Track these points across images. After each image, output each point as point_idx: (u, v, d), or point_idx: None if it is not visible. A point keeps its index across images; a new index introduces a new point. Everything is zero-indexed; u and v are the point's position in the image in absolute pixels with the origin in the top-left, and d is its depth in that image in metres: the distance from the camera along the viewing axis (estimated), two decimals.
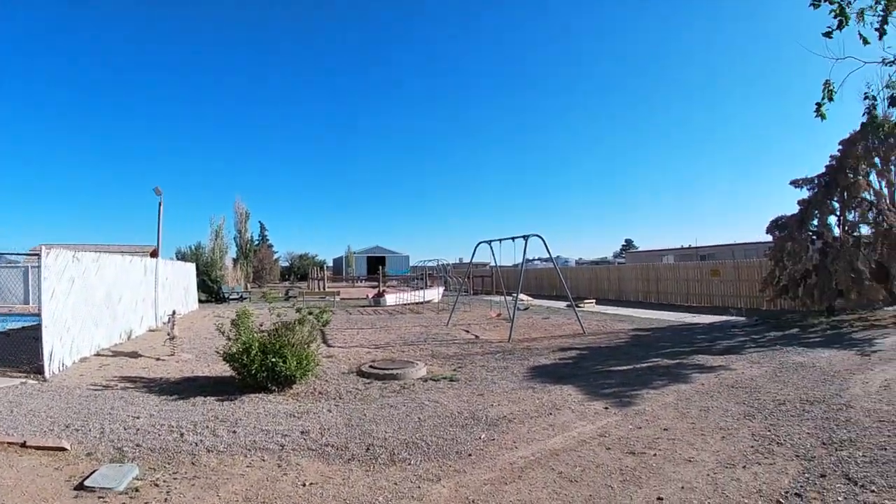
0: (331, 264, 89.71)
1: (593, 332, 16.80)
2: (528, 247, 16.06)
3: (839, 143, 18.32)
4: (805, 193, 18.82)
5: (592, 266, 41.79)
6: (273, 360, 8.96)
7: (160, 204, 20.13)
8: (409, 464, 5.85)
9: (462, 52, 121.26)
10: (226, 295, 33.33)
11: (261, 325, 9.89)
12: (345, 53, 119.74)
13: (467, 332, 17.67)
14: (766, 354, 11.98)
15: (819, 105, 6.27)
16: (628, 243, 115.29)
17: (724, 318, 19.48)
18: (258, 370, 8.97)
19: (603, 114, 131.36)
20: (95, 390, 9.55)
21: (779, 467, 5.53)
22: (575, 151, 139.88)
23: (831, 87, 6.24)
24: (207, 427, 7.21)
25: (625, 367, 11.05)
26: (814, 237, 18.22)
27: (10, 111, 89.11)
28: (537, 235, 16.04)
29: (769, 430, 6.70)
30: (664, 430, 6.84)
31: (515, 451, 6.18)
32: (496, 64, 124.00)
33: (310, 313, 10.17)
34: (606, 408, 7.98)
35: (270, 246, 78.55)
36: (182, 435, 6.88)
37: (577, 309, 22.99)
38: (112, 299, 15.13)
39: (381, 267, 45.00)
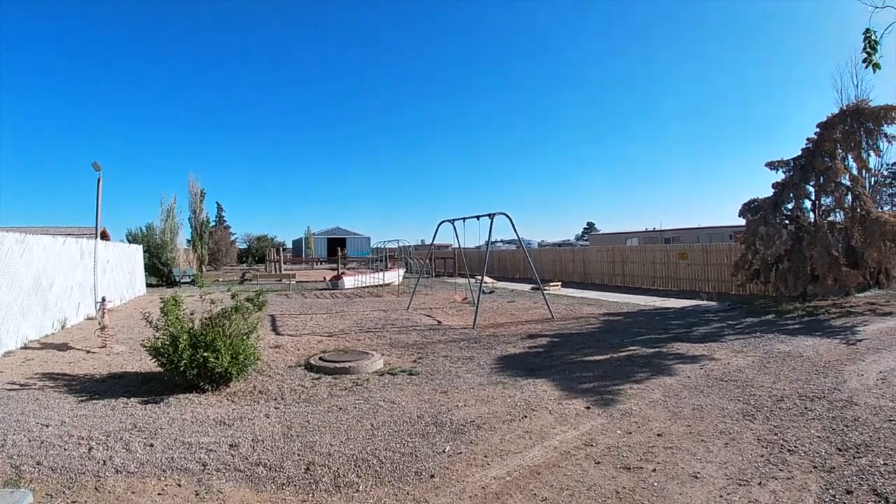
0: (290, 246, 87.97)
1: (562, 316, 15.89)
2: (492, 228, 15.03)
3: (816, 126, 17.82)
4: (780, 176, 18.31)
5: (556, 248, 40.95)
6: (205, 354, 7.77)
7: (99, 181, 18.52)
8: (357, 490, 4.77)
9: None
10: (177, 278, 31.80)
11: (192, 314, 8.62)
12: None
13: (429, 316, 16.65)
14: (748, 342, 11.27)
15: (868, 55, 5.35)
16: (590, 226, 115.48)
17: (695, 302, 18.83)
18: (187, 367, 7.78)
19: (564, 96, 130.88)
20: (10, 390, 8.31)
21: (798, 482, 4.68)
22: (533, 133, 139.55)
23: (872, 37, 5.32)
24: (121, 439, 6.06)
25: (601, 357, 10.14)
26: (787, 221, 17.69)
27: None
28: (504, 214, 15.08)
29: (775, 434, 5.86)
30: (658, 435, 5.91)
31: (487, 470, 5.14)
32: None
33: (248, 300, 8.85)
34: (588, 407, 7.02)
35: (228, 227, 77.16)
36: (90, 450, 5.74)
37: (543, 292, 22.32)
38: (42, 285, 13.74)
39: (339, 249, 43.66)
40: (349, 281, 28.33)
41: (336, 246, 72.66)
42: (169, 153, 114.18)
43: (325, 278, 31.10)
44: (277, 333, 13.85)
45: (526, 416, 6.69)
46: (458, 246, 18.99)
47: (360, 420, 6.66)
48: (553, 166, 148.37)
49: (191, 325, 8.34)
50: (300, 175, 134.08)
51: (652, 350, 10.65)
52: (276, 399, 7.74)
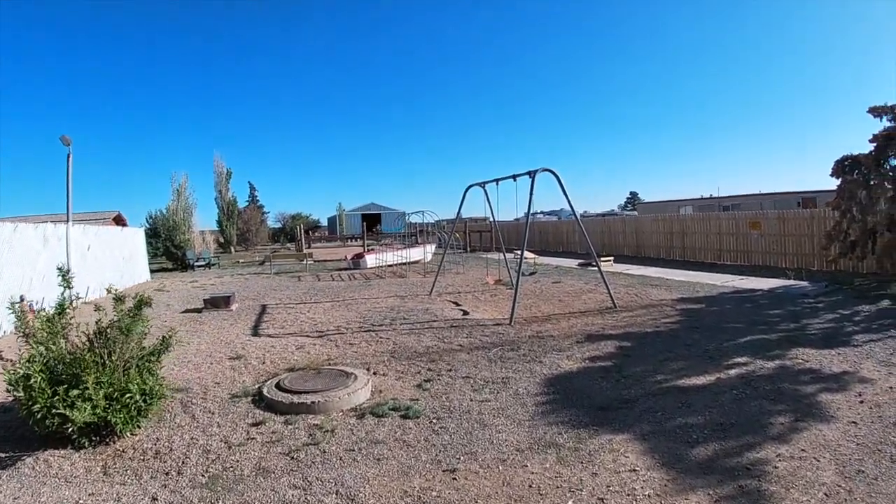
0: (325, 224, 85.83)
1: (626, 304, 12.52)
2: (533, 189, 11.62)
3: None
4: (883, 125, 14.72)
5: (604, 218, 37.14)
6: (71, 394, 4.76)
7: (69, 157, 15.85)
8: None
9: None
10: (191, 262, 29.37)
11: (98, 321, 5.59)
12: None
13: (455, 304, 13.49)
14: (890, 346, 8.11)
15: None
16: (633, 195, 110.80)
17: (780, 282, 15.34)
18: (46, 413, 4.78)
19: (605, 51, 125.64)
20: None
21: None
22: (571, 99, 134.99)
23: None
24: None
25: (703, 380, 6.83)
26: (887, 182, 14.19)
27: None
28: (549, 170, 11.63)
29: None
30: None
31: None
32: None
33: (136, 306, 5.75)
34: None
35: (261, 207, 75.31)
36: None
37: (592, 269, 19.00)
38: None
39: (363, 224, 40.83)
40: (371, 259, 25.31)
41: (372, 222, 70.21)
42: (201, 132, 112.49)
43: (345, 257, 28.13)
44: (255, 333, 10.89)
45: None
46: (492, 216, 15.71)
47: None
48: (594, 133, 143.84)
49: (62, 346, 5.28)
50: (339, 152, 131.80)
51: (770, 364, 7.37)
52: (170, 473, 4.69)
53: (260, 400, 6.55)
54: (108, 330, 5.38)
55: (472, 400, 6.38)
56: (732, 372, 7.05)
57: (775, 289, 14.20)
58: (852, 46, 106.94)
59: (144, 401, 5.37)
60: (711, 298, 13.04)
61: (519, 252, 11.70)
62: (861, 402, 5.89)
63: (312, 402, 6.14)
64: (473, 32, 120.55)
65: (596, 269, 20.76)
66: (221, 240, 48.30)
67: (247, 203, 71.12)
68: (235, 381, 7.54)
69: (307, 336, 10.44)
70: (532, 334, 9.68)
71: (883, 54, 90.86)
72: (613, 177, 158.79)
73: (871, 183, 14.18)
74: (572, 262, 23.73)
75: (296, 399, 6.26)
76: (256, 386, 7.13)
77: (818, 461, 4.52)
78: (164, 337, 5.96)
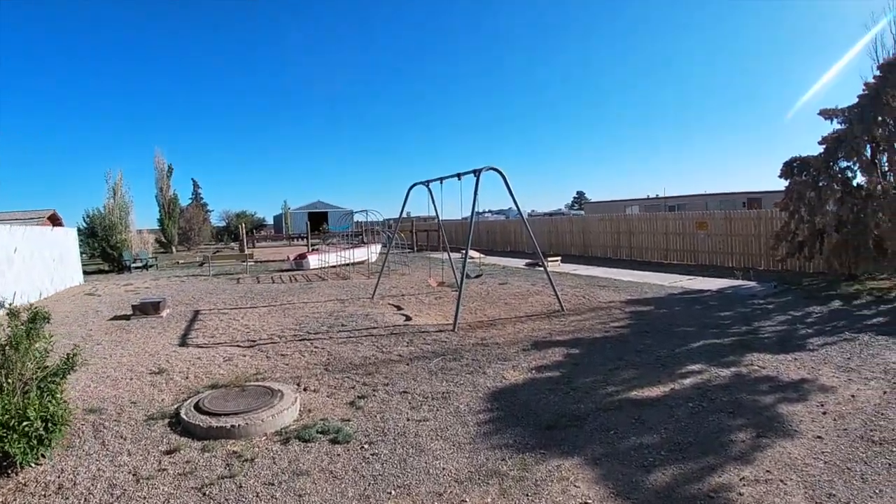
0: (271, 222, 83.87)
1: (575, 307, 12.10)
2: (478, 187, 11.02)
3: (877, 69, 14.51)
4: (833, 127, 14.82)
5: (551, 218, 36.90)
6: None
7: None
8: None
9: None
10: (127, 263, 27.94)
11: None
12: None
13: (398, 309, 12.87)
14: (846, 350, 7.91)
15: None
16: (580, 195, 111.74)
17: (729, 282, 15.17)
18: None
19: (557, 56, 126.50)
20: None
21: None
22: (517, 97, 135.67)
23: None
24: None
25: (657, 391, 6.37)
26: (835, 184, 14.19)
27: None
28: (494, 169, 11.13)
29: None
30: None
31: None
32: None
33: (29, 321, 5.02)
34: None
35: (205, 205, 73.35)
36: None
37: (540, 270, 18.62)
38: None
39: (307, 224, 39.78)
40: (314, 260, 24.44)
41: (318, 221, 68.82)
42: (143, 127, 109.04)
43: (288, 257, 27.18)
44: (182, 343, 10.05)
45: None
46: (437, 215, 15.14)
47: None
48: (539, 134, 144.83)
49: None
50: (283, 150, 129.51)
51: (726, 372, 6.98)
52: None
53: (177, 423, 5.86)
54: (6, 348, 4.61)
55: (409, 419, 5.78)
56: (687, 381, 6.62)
57: (724, 289, 13.98)
58: (797, 50, 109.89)
59: (46, 428, 4.65)
60: (660, 300, 12.73)
61: (465, 253, 11.10)
62: (824, 413, 5.52)
63: (232, 426, 5.47)
64: (413, 34, 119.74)
65: (543, 269, 20.48)
66: (163, 239, 46.49)
67: (190, 201, 69.90)
68: (154, 399, 6.81)
69: (238, 346, 9.68)
70: (476, 341, 9.13)
71: (825, 57, 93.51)
72: (560, 176, 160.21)
73: (821, 184, 14.12)
74: (519, 263, 23.33)
75: (214, 422, 5.58)
76: (175, 406, 6.42)
77: (785, 484, 4.09)
78: (68, 355, 5.26)
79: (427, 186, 13.98)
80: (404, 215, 39.91)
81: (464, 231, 37.78)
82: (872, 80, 14.20)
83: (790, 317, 10.34)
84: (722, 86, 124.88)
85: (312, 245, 34.63)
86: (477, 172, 10.98)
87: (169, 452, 5.12)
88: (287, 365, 8.24)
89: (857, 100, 14.22)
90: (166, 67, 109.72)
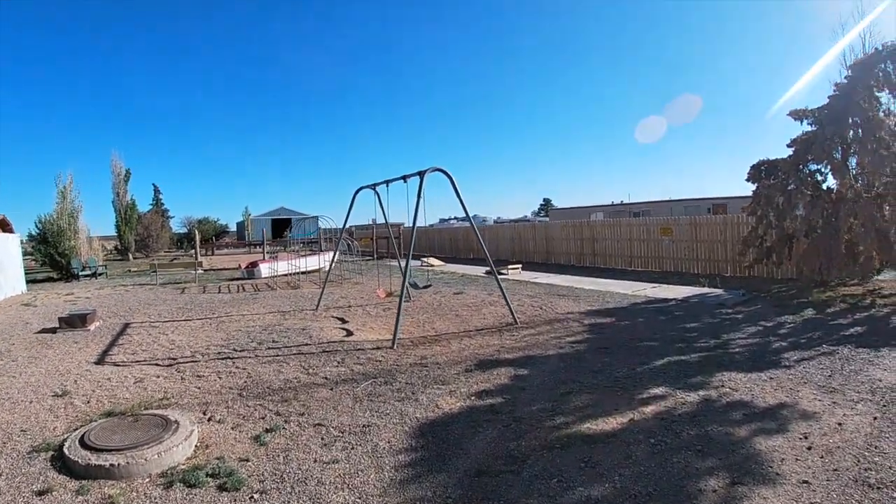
0: (234, 229, 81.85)
1: (529, 319, 11.15)
2: (422, 189, 10.01)
3: (848, 69, 14.26)
4: (804, 129, 14.24)
5: (514, 224, 36.04)
6: None
7: None
8: None
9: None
10: (76, 271, 26.48)
11: None
12: None
13: (342, 321, 11.82)
14: (825, 366, 7.15)
15: None
16: (547, 202, 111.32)
17: (695, 290, 14.38)
18: None
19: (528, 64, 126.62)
20: None
21: None
22: (490, 105, 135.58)
23: None
24: None
25: (613, 422, 5.41)
26: (805, 187, 13.65)
27: None
28: (440, 170, 10.18)
29: None
30: None
31: None
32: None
33: None
34: None
35: (165, 211, 71.41)
36: None
37: (501, 278, 17.69)
38: None
39: (263, 231, 38.48)
40: (266, 269, 23.25)
41: (281, 227, 67.34)
42: (103, 131, 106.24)
43: (240, 265, 25.93)
44: (100, 361, 9.02)
45: None
46: (385, 219, 14.16)
47: None
48: (507, 142, 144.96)
49: None
50: (249, 155, 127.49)
51: (693, 396, 6.08)
52: None
53: (60, 457, 4.96)
54: None
55: (316, 460, 4.79)
56: (649, 409, 5.68)
57: (690, 298, 13.18)
58: (764, 59, 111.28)
59: None
60: (622, 310, 11.86)
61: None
62: (809, 448, 4.65)
63: (112, 466, 4.58)
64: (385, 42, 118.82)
65: (504, 276, 19.54)
66: (119, 246, 44.70)
67: (151, 206, 67.57)
68: (46, 427, 5.88)
69: (156, 364, 8.65)
70: (415, 361, 8.11)
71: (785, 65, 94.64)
72: (528, 184, 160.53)
73: (790, 188, 13.47)
74: (480, 270, 22.38)
75: (94, 460, 4.68)
76: (63, 437, 5.43)
77: None
78: None
79: (374, 190, 13.00)
80: (368, 222, 38.70)
81: (427, 238, 36.94)
82: (844, 81, 13.64)
83: (762, 328, 9.55)
84: (688, 93, 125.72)
85: (272, 252, 33.27)
86: (422, 174, 10.02)
87: (41, 493, 4.32)
88: (199, 388, 7.23)
89: (827, 100, 13.63)
90: (130, 68, 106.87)
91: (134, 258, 44.20)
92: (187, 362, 8.71)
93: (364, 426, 5.56)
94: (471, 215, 11.09)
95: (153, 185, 74.66)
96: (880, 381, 6.37)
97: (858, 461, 4.37)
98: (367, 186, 13.03)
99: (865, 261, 12.81)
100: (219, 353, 9.28)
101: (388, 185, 12.10)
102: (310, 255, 25.04)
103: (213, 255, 46.21)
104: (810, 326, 9.47)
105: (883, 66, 12.87)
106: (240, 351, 9.33)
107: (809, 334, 8.90)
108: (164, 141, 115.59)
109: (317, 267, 23.82)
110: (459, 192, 10.51)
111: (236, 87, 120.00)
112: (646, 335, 9.29)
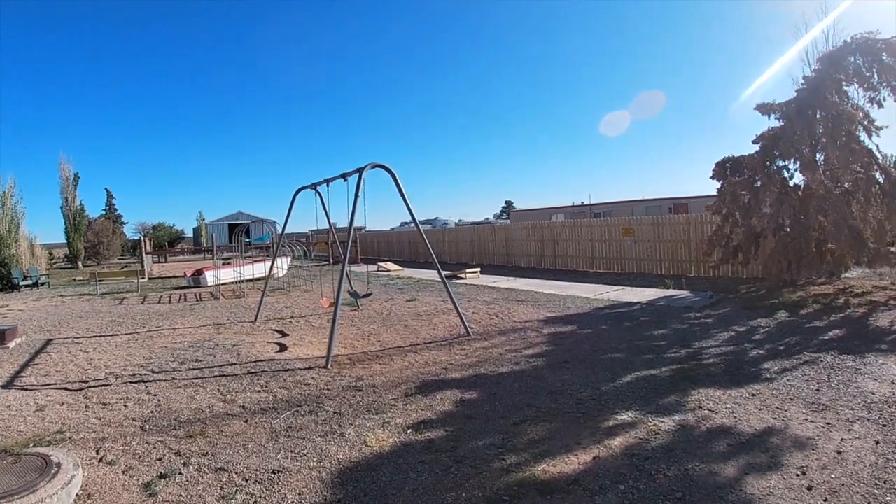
0: (191, 235, 79.56)
1: (484, 329, 10.24)
2: (360, 186, 9.01)
3: (816, 62, 13.82)
4: (771, 124, 13.75)
5: (474, 226, 35.17)
6: None
7: None
8: None
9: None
10: (16, 281, 24.92)
11: None
12: None
13: (281, 335, 10.79)
14: (811, 377, 6.43)
15: None
16: (509, 204, 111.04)
17: (660, 292, 13.68)
18: None
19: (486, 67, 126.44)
20: None
21: None
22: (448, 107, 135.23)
23: None
24: None
25: (573, 462, 4.47)
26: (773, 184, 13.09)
27: None
28: (381, 166, 9.21)
29: None
30: None
31: None
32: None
33: None
34: None
35: (119, 216, 69.24)
36: None
37: (457, 283, 16.88)
38: None
39: (213, 237, 36.98)
40: (212, 277, 22.01)
41: (238, 232, 65.45)
42: (49, 137, 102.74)
43: (185, 273, 24.65)
44: (7, 385, 8.04)
45: None
46: (328, 221, 13.23)
47: None
48: (470, 145, 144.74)
49: None
50: (205, 160, 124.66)
51: (667, 422, 5.19)
52: None
53: None
54: None
55: None
56: (616, 442, 4.77)
57: (655, 301, 12.43)
58: (722, 58, 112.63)
59: None
60: (585, 317, 11.02)
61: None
62: (809, 487, 3.85)
63: None
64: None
65: (462, 281, 18.63)
66: (69, 253, 42.75)
67: (103, 212, 66.06)
68: None
69: (65, 388, 7.66)
70: (349, 383, 7.08)
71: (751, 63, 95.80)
72: (490, 186, 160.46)
73: (757, 185, 12.84)
74: (438, 276, 21.44)
75: None
76: None
77: None
78: None
79: (315, 189, 11.97)
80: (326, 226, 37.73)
81: (386, 242, 35.94)
82: (811, 74, 13.12)
83: (734, 333, 8.81)
84: (646, 91, 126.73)
85: (225, 259, 31.89)
86: (360, 171, 9.04)
87: None
88: (100, 419, 6.23)
89: (795, 94, 13.07)
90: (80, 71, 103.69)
91: (84, 266, 42.38)
92: (97, 386, 7.68)
93: (274, 471, 4.56)
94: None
95: (106, 189, 72.53)
96: (873, 394, 5.66)
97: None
98: (308, 186, 12.01)
99: (837, 259, 12.26)
100: (134, 374, 8.23)
101: (328, 185, 11.11)
102: (259, 261, 23.80)
103: (165, 262, 44.55)
104: (786, 331, 8.78)
105: (853, 59, 12.39)
106: (157, 372, 8.27)
107: (787, 340, 8.20)
108: (118, 144, 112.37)
109: (266, 274, 22.65)
110: (403, 190, 9.62)
111: (196, 89, 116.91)
112: (610, 345, 8.44)
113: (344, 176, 9.82)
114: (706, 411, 5.39)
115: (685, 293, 13.26)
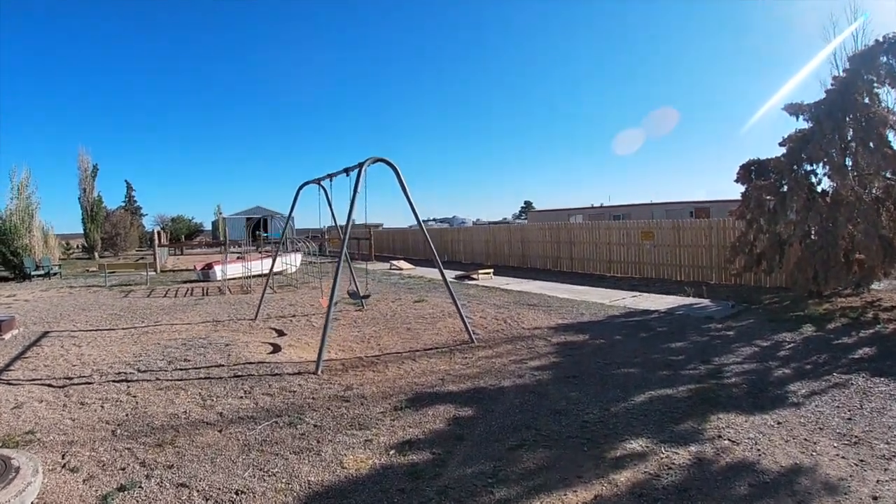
0: (210, 228, 79.76)
1: (489, 336, 9.71)
2: (360, 181, 8.52)
3: (847, 60, 13.11)
4: (799, 126, 12.92)
5: (490, 226, 34.50)
6: None
7: None
8: None
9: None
10: (29, 270, 24.90)
11: None
12: None
13: (278, 334, 10.38)
14: (841, 403, 5.83)
15: None
16: (528, 204, 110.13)
17: (679, 300, 13.07)
18: None
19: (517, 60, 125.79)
20: None
21: None
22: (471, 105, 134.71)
23: None
24: None
25: (575, 500, 3.94)
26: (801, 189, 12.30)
27: None
28: (383, 160, 8.73)
29: None
30: None
31: None
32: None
33: None
34: None
35: (138, 209, 69.57)
36: None
37: (469, 284, 16.37)
38: None
39: (226, 231, 36.84)
40: (220, 271, 21.66)
41: (256, 227, 65.46)
42: (67, 131, 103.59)
43: (195, 267, 24.41)
44: None
45: None
46: (332, 217, 12.77)
47: None
48: (489, 143, 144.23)
49: None
50: (227, 153, 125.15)
51: (682, 454, 4.64)
52: None
53: None
54: None
55: None
56: (622, 477, 4.22)
57: (674, 309, 11.83)
58: (750, 64, 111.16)
59: None
60: (598, 325, 10.44)
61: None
62: None
63: None
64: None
65: (475, 282, 18.13)
66: (86, 244, 42.87)
67: (123, 204, 66.50)
68: None
69: (49, 385, 7.42)
70: (337, 392, 6.59)
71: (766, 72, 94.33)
72: (511, 186, 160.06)
73: (783, 189, 12.19)
74: (451, 275, 20.95)
75: None
76: None
77: None
78: None
79: (319, 184, 11.54)
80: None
81: (401, 239, 35.48)
82: (842, 74, 12.44)
83: (758, 349, 8.22)
84: (673, 98, 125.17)
85: (241, 253, 31.68)
86: (361, 165, 8.57)
87: None
88: (74, 420, 5.96)
89: (824, 95, 12.42)
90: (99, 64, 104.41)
91: (101, 257, 42.43)
92: (80, 384, 7.41)
93: (237, 492, 4.11)
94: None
95: (126, 181, 72.93)
96: None
97: None
98: (311, 182, 11.57)
99: (866, 270, 11.59)
100: (119, 372, 7.91)
101: (331, 180, 10.64)
102: (265, 257, 23.43)
103: (181, 254, 44.53)
104: (813, 347, 8.17)
105: (885, 59, 11.69)
106: (143, 371, 7.91)
107: (814, 358, 7.59)
108: (141, 137, 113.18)
109: (281, 269, 22.26)
110: (406, 185, 9.12)
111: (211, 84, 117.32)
112: (624, 358, 7.88)
113: (346, 171, 9.35)
114: (726, 441, 4.83)
115: (705, 301, 12.66)
